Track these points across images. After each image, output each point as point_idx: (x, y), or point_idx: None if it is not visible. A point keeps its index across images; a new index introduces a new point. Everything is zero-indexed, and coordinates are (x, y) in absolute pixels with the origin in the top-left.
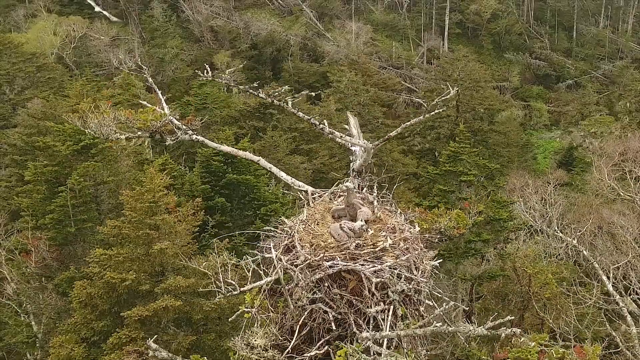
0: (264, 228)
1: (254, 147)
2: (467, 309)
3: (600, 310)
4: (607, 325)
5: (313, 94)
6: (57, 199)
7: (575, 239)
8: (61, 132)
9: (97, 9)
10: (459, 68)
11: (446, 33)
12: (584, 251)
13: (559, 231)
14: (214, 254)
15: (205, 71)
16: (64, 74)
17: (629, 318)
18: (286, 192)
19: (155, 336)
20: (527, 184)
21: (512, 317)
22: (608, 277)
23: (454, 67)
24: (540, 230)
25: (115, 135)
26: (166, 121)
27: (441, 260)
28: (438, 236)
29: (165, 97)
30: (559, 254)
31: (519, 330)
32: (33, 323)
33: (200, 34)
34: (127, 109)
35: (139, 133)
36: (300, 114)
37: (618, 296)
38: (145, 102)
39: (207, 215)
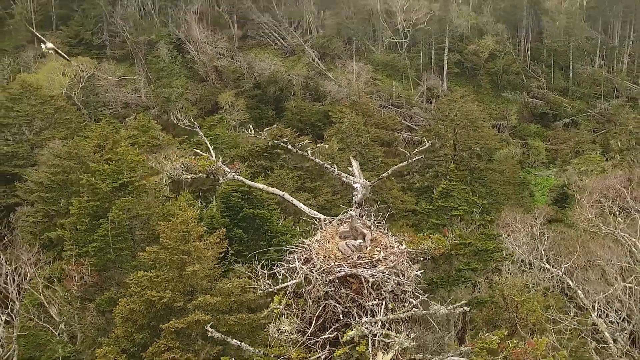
0: (288, 245)
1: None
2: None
3: (584, 338)
4: (589, 344)
5: (317, 146)
6: (99, 229)
7: (562, 270)
8: (102, 172)
9: None
10: (455, 108)
11: (445, 72)
12: (569, 281)
13: (545, 262)
14: (235, 277)
15: (250, 129)
16: (80, 115)
17: (610, 340)
18: (295, 224)
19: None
20: (515, 219)
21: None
22: (593, 307)
23: (451, 108)
24: (528, 262)
25: (184, 175)
26: (218, 166)
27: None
28: (422, 255)
29: (208, 143)
30: (546, 285)
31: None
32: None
33: (205, 73)
34: (191, 156)
35: (200, 174)
36: (317, 160)
37: (603, 324)
38: (199, 151)
39: (227, 245)
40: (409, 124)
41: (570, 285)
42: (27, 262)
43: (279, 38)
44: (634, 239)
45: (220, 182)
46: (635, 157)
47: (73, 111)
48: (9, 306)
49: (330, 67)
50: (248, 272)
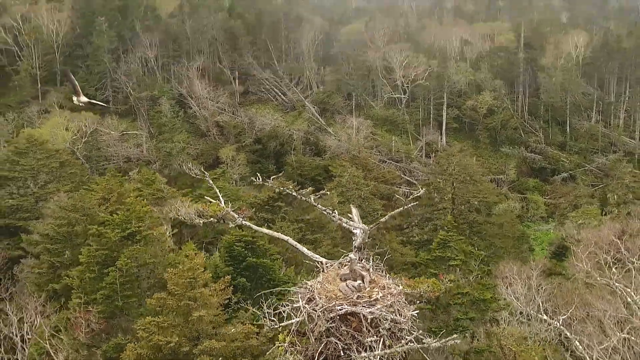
0: (292, 288)
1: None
2: None
3: None
4: None
5: (320, 193)
6: (107, 277)
7: (560, 322)
8: (111, 222)
9: None
10: (454, 162)
11: (444, 127)
12: (567, 332)
13: (542, 314)
14: (239, 324)
15: (257, 177)
16: (84, 169)
17: None
18: (297, 273)
19: None
20: (512, 270)
21: None
22: (591, 358)
23: (449, 162)
24: (526, 313)
25: (197, 220)
26: (226, 212)
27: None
28: (419, 298)
29: (220, 193)
30: (544, 336)
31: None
32: None
33: (207, 128)
34: (202, 203)
35: (211, 219)
36: (320, 207)
37: None
38: (209, 198)
39: (231, 293)
40: (408, 179)
41: (568, 336)
42: (32, 311)
43: (280, 94)
44: (629, 290)
45: (230, 226)
46: (633, 210)
47: (78, 165)
48: (16, 356)
49: (331, 122)
50: (254, 310)
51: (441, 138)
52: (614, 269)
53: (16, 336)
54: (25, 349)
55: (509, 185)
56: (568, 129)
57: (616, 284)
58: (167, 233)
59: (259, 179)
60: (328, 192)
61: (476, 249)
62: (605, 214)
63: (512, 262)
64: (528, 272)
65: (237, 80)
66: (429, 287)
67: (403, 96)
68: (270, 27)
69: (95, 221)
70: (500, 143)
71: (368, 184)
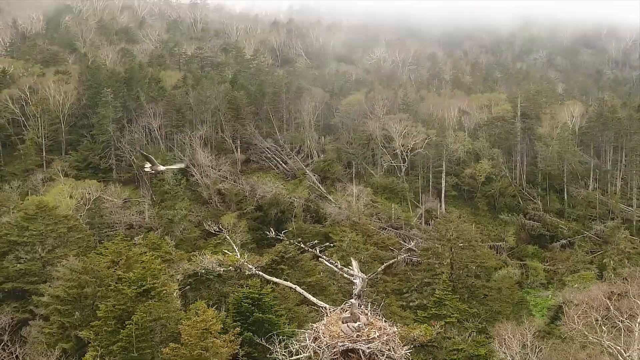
0: (301, 330)
1: None
2: None
3: None
4: None
5: (324, 245)
6: (124, 330)
7: None
8: (127, 279)
9: None
10: (452, 228)
11: (443, 195)
12: None
13: None
14: None
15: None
16: (90, 234)
17: None
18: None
19: None
20: (507, 329)
21: None
22: None
23: (447, 228)
24: None
25: (217, 269)
26: (242, 263)
27: None
28: (412, 342)
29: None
30: None
31: None
32: None
33: (208, 196)
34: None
35: (230, 268)
36: (324, 258)
37: None
38: (227, 251)
39: (238, 346)
40: (408, 246)
41: None
42: None
43: (281, 162)
44: (619, 347)
45: (246, 274)
46: (629, 274)
47: (84, 230)
48: None
49: (331, 189)
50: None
51: (440, 205)
52: (604, 328)
53: None
54: None
55: (508, 252)
56: (566, 197)
57: (606, 342)
58: (174, 293)
59: (271, 232)
60: (332, 244)
61: (477, 318)
62: (603, 280)
63: (508, 323)
64: (523, 331)
65: (239, 149)
66: (421, 332)
67: (402, 165)
68: (272, 97)
69: (104, 283)
70: (499, 210)
71: (368, 248)
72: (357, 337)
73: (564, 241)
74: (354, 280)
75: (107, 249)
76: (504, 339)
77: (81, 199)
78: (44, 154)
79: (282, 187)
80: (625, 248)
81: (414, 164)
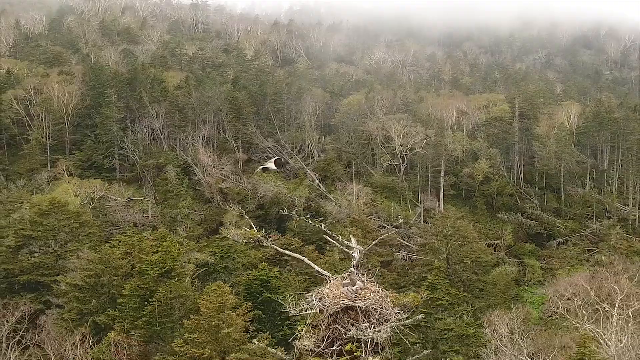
0: (308, 294)
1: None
2: None
3: None
4: None
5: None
6: (148, 307)
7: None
8: (150, 262)
9: None
10: (448, 225)
11: (441, 194)
12: None
13: (525, 356)
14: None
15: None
16: (101, 229)
17: None
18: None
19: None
20: (496, 316)
21: None
22: None
23: (444, 225)
24: (509, 354)
25: (242, 240)
26: (261, 237)
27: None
28: (402, 307)
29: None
30: None
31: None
32: None
33: (211, 195)
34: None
35: (250, 240)
36: (328, 232)
37: None
38: (247, 229)
39: (249, 322)
40: (407, 244)
41: None
42: (68, 348)
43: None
44: (598, 330)
45: (264, 244)
46: (621, 268)
47: (95, 225)
48: None
49: (331, 189)
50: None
51: (439, 204)
52: (584, 312)
53: None
54: None
55: (505, 250)
56: (563, 196)
57: (587, 325)
58: (187, 280)
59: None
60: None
61: (470, 306)
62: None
63: (498, 311)
64: (511, 318)
65: (240, 149)
66: (410, 299)
67: (401, 164)
68: (273, 98)
69: (119, 273)
70: (497, 209)
71: (368, 242)
72: (355, 297)
73: (561, 240)
74: (353, 254)
75: (120, 241)
76: (494, 324)
77: (86, 197)
78: (48, 154)
79: (283, 186)
80: (616, 244)
81: (413, 163)
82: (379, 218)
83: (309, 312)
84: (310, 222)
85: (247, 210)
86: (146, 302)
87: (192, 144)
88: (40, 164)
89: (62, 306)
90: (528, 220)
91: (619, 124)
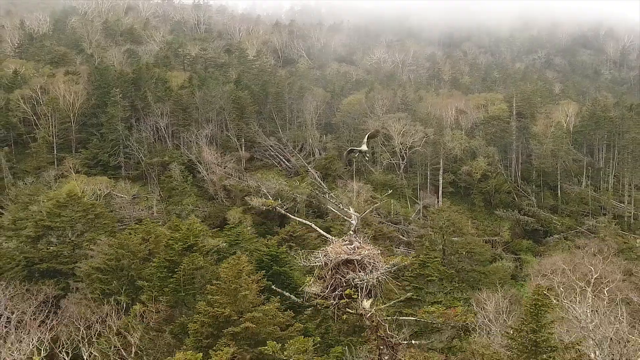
0: (315, 252)
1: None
2: None
3: None
4: None
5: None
6: (174, 276)
7: None
8: (174, 238)
9: None
10: (444, 217)
11: (440, 191)
12: None
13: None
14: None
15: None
16: (114, 220)
17: None
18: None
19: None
20: (483, 295)
21: None
22: None
23: (439, 217)
24: (495, 329)
25: (262, 206)
26: (276, 205)
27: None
28: (392, 267)
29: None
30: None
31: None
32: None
33: (214, 192)
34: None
35: (269, 207)
36: (333, 201)
37: None
38: (264, 199)
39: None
40: (406, 240)
41: None
42: (95, 321)
43: (284, 160)
44: (574, 306)
45: (277, 209)
46: (596, 250)
47: (110, 217)
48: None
49: (332, 186)
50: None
51: (438, 201)
52: (561, 289)
53: (83, 346)
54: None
55: (503, 246)
56: (559, 193)
57: (564, 302)
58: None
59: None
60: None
61: (464, 293)
62: None
63: (486, 291)
64: (498, 298)
65: (243, 147)
66: (399, 259)
67: (401, 162)
68: (275, 97)
69: (137, 257)
70: (495, 206)
71: (367, 232)
72: (352, 252)
73: (558, 236)
74: (352, 221)
75: (137, 229)
76: (482, 302)
77: (93, 194)
78: (55, 152)
79: (285, 183)
80: (605, 237)
81: (413, 161)
82: (379, 215)
83: (316, 264)
84: (319, 192)
85: (250, 206)
86: (172, 273)
87: (196, 143)
88: (47, 162)
89: (82, 290)
90: (525, 217)
91: (614, 122)
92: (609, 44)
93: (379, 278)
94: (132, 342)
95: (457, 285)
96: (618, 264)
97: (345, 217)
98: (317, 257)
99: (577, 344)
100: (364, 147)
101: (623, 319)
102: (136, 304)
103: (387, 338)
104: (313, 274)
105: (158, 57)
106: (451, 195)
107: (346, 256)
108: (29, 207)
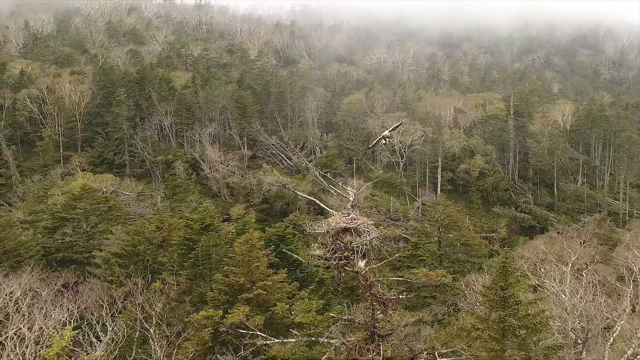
0: (319, 222)
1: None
2: None
3: None
4: None
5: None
6: (193, 252)
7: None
8: (193, 219)
9: None
10: (440, 211)
11: (439, 189)
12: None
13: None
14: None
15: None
16: (126, 213)
17: None
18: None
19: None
20: (472, 276)
21: None
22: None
23: (435, 210)
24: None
25: (274, 185)
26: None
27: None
28: (384, 236)
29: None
30: None
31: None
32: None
33: (218, 189)
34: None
35: (280, 185)
36: (334, 181)
37: None
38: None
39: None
40: (405, 236)
41: None
42: (118, 297)
43: (286, 158)
44: (554, 285)
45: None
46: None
47: (122, 209)
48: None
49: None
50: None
51: (436, 199)
52: (542, 269)
53: (106, 319)
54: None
55: (500, 242)
56: (556, 191)
57: (545, 281)
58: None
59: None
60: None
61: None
62: None
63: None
64: (485, 278)
65: (245, 146)
66: (389, 231)
67: (400, 160)
68: (277, 97)
69: (152, 243)
70: (492, 203)
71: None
72: (350, 222)
73: (554, 233)
74: (349, 197)
75: (151, 219)
76: (470, 284)
77: (99, 192)
78: (61, 151)
79: (287, 181)
80: (594, 229)
81: (412, 159)
82: (378, 212)
83: (320, 232)
84: (320, 173)
85: (252, 203)
86: (190, 250)
87: (200, 141)
88: (53, 160)
89: (101, 275)
90: (522, 214)
91: (610, 121)
92: (608, 44)
93: (372, 242)
94: (153, 313)
95: (447, 265)
96: (597, 250)
97: (344, 195)
98: (321, 226)
99: (539, 299)
100: (386, 132)
101: (601, 299)
102: (156, 281)
103: (379, 295)
104: (317, 241)
105: (161, 57)
106: (449, 192)
107: (344, 225)
108: (44, 201)
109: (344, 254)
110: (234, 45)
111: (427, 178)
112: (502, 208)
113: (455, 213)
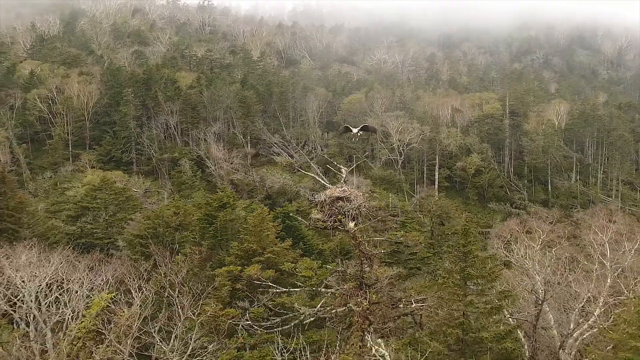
0: (317, 194)
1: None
2: None
3: None
4: None
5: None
6: (212, 226)
7: None
8: (212, 199)
9: None
10: (432, 202)
11: (436, 186)
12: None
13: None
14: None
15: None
16: (141, 203)
17: None
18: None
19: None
20: None
21: None
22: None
23: (428, 202)
24: None
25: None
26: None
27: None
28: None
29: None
30: None
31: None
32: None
33: (222, 186)
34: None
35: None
36: (332, 161)
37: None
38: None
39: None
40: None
41: None
42: (142, 274)
43: (288, 156)
44: (525, 261)
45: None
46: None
47: (137, 200)
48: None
49: (333, 180)
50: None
51: (436, 197)
52: (514, 247)
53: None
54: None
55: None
56: (550, 188)
57: (516, 256)
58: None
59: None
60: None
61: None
62: None
63: None
64: None
65: (249, 144)
66: (376, 203)
67: (399, 158)
68: (279, 96)
69: (170, 225)
70: (488, 200)
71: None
72: (342, 193)
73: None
74: (342, 175)
75: (169, 205)
76: None
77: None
78: (70, 149)
79: (288, 178)
80: (578, 221)
81: (410, 157)
82: (378, 210)
83: (317, 199)
84: (322, 153)
85: (256, 200)
86: (210, 224)
87: (204, 139)
88: (63, 158)
89: (124, 257)
90: (517, 210)
91: (603, 120)
92: (606, 45)
93: (360, 209)
94: (178, 279)
95: (436, 251)
96: (566, 230)
97: (337, 172)
98: (319, 196)
99: (494, 255)
100: (355, 130)
101: (565, 270)
102: (178, 254)
103: (366, 252)
104: (316, 209)
105: (165, 58)
106: (447, 189)
107: (338, 194)
108: (66, 193)
109: (338, 217)
110: (236, 46)
111: (424, 175)
112: (497, 204)
113: (448, 204)
